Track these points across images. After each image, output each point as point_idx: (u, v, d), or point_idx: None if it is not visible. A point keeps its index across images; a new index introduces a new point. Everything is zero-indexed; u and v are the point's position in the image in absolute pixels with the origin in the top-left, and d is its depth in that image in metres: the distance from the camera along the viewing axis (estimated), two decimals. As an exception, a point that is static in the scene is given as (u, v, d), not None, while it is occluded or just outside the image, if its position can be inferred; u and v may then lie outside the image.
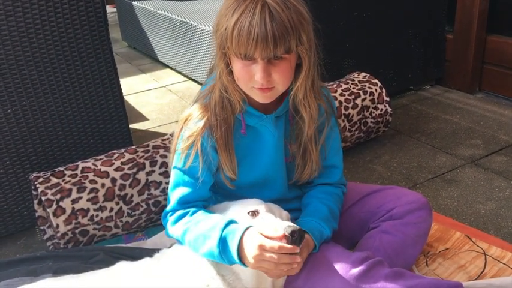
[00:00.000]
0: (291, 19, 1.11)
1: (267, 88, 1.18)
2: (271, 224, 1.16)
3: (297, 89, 1.23)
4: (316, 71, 1.24)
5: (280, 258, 1.09)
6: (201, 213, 1.28)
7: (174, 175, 1.32)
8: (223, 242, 1.16)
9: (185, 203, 1.30)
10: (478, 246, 1.57)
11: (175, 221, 1.29)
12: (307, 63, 1.20)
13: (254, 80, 1.16)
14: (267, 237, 1.11)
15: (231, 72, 1.21)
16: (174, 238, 1.32)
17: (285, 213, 1.29)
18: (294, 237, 1.10)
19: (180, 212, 1.30)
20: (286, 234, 1.10)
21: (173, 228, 1.30)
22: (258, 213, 1.23)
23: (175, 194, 1.31)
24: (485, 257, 1.52)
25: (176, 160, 1.30)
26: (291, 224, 1.15)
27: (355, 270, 1.17)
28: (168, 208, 1.32)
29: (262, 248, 1.10)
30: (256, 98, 1.23)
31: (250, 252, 1.12)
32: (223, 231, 1.17)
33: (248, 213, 1.23)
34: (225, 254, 1.17)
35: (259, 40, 1.09)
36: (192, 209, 1.29)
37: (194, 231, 1.23)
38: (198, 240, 1.21)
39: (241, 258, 1.14)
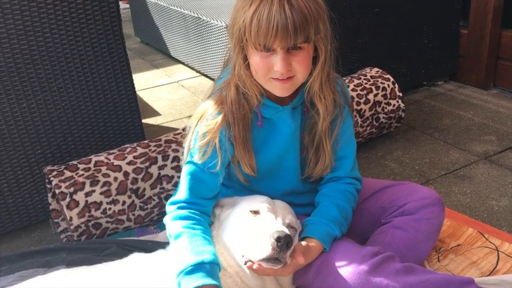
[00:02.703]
0: (308, 7, 1.12)
1: (287, 79, 1.18)
2: (265, 226, 1.16)
3: (313, 80, 1.22)
4: (331, 61, 1.23)
5: None
6: (200, 231, 1.22)
7: (189, 168, 1.28)
8: (193, 270, 1.13)
9: (196, 197, 1.27)
10: (490, 242, 1.55)
11: (179, 217, 1.24)
12: (323, 53, 1.19)
13: (273, 71, 1.16)
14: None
15: (248, 67, 1.20)
16: (166, 229, 1.27)
17: (289, 217, 1.27)
18: (280, 244, 1.10)
19: (186, 212, 1.25)
20: (272, 239, 1.10)
21: (171, 222, 1.25)
22: (258, 213, 1.23)
23: (188, 185, 1.27)
24: (498, 253, 1.51)
25: (191, 155, 1.28)
26: (281, 229, 1.14)
27: (366, 264, 1.17)
28: (179, 198, 1.27)
29: None
30: (275, 90, 1.22)
31: None
32: (202, 263, 1.13)
33: (250, 211, 1.24)
34: (184, 276, 1.13)
35: (280, 28, 1.09)
36: (198, 217, 1.25)
37: (185, 241, 1.18)
38: (184, 250, 1.17)
39: None
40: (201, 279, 1.10)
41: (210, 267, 1.13)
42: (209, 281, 1.10)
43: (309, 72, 1.21)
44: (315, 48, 1.20)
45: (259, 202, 1.26)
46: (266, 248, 1.12)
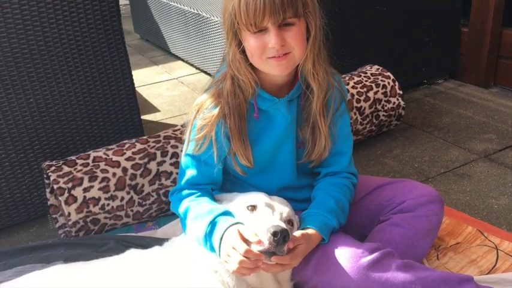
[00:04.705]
0: None
1: (283, 56, 1.18)
2: (263, 221, 1.16)
3: (306, 58, 1.23)
4: (321, 36, 1.24)
5: (243, 262, 1.11)
6: (205, 198, 1.31)
7: (186, 160, 1.34)
8: (212, 226, 1.20)
9: (194, 185, 1.33)
10: (489, 240, 1.55)
11: (181, 198, 1.33)
12: (314, 28, 1.20)
13: (268, 49, 1.17)
14: (243, 238, 1.13)
15: (243, 52, 1.22)
16: (177, 214, 1.36)
17: (287, 212, 1.27)
18: (276, 238, 1.10)
19: (187, 191, 1.33)
20: (269, 234, 1.10)
21: (177, 205, 1.34)
22: (256, 208, 1.24)
23: (185, 177, 1.33)
24: (497, 251, 1.50)
25: (189, 148, 1.32)
26: (277, 223, 1.14)
27: (366, 260, 1.17)
28: (177, 186, 1.37)
29: (232, 246, 1.13)
30: (273, 70, 1.22)
31: (224, 246, 1.16)
32: (217, 216, 1.21)
33: (247, 207, 1.25)
34: (209, 239, 1.20)
35: (267, 4, 1.11)
36: (199, 192, 1.32)
37: (194, 211, 1.27)
38: (195, 219, 1.25)
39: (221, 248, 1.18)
40: (221, 228, 1.18)
41: (224, 216, 1.22)
42: (228, 223, 1.18)
43: (304, 49, 1.21)
44: (307, 29, 1.21)
45: (259, 197, 1.26)
46: (263, 242, 1.12)
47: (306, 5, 1.17)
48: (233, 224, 1.18)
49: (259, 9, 1.12)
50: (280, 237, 1.10)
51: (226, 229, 1.17)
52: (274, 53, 1.17)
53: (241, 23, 1.15)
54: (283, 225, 1.14)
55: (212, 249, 1.20)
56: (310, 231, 1.23)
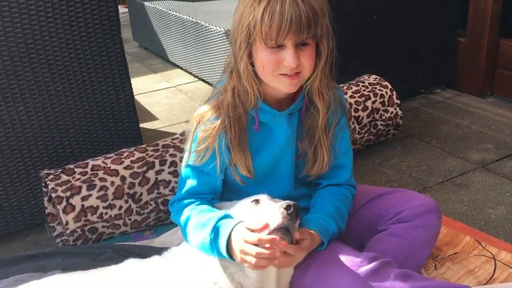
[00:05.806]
0: (316, 3, 1.14)
1: (295, 75, 1.19)
2: (271, 208, 1.19)
3: (315, 78, 1.23)
4: (332, 58, 1.24)
5: (259, 253, 1.12)
6: (205, 206, 1.31)
7: (186, 171, 1.34)
8: (215, 231, 1.20)
9: (194, 194, 1.34)
10: (487, 251, 1.55)
11: (182, 207, 1.33)
12: (326, 50, 1.21)
13: (282, 66, 1.17)
14: (250, 230, 1.15)
15: (252, 65, 1.21)
16: (177, 223, 1.36)
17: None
18: (289, 211, 1.12)
19: (187, 200, 1.33)
20: (282, 209, 1.13)
21: (177, 215, 1.34)
22: (259, 201, 1.26)
23: (185, 187, 1.34)
24: (495, 261, 1.51)
25: (190, 159, 1.32)
26: (287, 201, 1.17)
27: (365, 268, 1.18)
28: (177, 196, 1.37)
29: (244, 241, 1.14)
30: (282, 87, 1.22)
31: (236, 245, 1.16)
32: (218, 221, 1.22)
33: (252, 201, 1.27)
34: (215, 244, 1.20)
35: (294, 22, 1.10)
36: (198, 201, 1.33)
37: (194, 220, 1.27)
38: (196, 228, 1.25)
39: (230, 251, 1.18)
40: (226, 231, 1.18)
41: (225, 219, 1.22)
42: (231, 227, 1.19)
43: (313, 69, 1.22)
44: (317, 50, 1.22)
45: (260, 195, 1.29)
46: (277, 218, 1.14)
47: (323, 27, 1.17)
48: (236, 225, 1.19)
49: (284, 27, 1.11)
50: (294, 210, 1.13)
51: (230, 231, 1.18)
52: (288, 70, 1.17)
53: (259, 36, 1.14)
54: (293, 202, 1.16)
55: (220, 254, 1.20)
56: (313, 232, 1.24)
